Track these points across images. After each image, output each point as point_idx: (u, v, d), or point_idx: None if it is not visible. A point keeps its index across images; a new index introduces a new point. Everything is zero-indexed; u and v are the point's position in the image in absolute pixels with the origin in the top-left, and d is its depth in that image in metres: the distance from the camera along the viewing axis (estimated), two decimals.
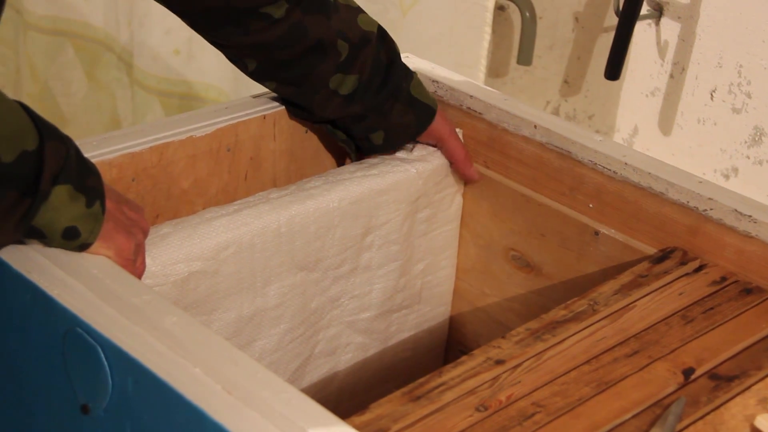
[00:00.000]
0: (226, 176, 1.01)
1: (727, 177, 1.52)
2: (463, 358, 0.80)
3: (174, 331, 0.69)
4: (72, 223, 0.73)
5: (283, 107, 1.04)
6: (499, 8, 1.59)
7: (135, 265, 0.80)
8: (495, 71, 1.68)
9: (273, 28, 0.92)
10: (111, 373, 0.69)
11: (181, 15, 0.94)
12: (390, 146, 1.04)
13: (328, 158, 1.11)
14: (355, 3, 1.00)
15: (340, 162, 1.11)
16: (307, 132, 1.07)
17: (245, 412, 0.64)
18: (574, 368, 0.80)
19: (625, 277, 0.92)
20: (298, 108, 1.01)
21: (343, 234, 1.00)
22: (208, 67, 1.73)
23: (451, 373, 0.78)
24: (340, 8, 0.97)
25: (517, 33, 1.60)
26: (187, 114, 0.98)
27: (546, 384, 0.78)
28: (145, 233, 0.84)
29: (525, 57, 1.61)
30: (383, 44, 1.00)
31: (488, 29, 1.46)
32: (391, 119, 1.01)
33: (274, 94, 1.04)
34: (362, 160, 1.05)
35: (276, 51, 0.94)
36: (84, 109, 2.03)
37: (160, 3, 0.91)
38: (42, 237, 0.74)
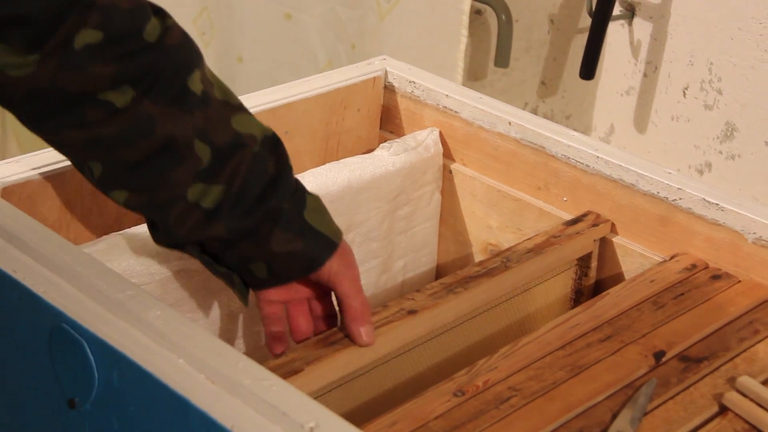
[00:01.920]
0: None
1: (701, 172, 1.55)
2: (379, 308, 0.85)
3: (157, 324, 0.71)
4: (330, 230, 0.83)
5: (265, 108, 1.06)
6: (476, 12, 1.61)
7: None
8: (474, 74, 1.71)
9: (114, 119, 0.74)
10: (96, 367, 0.71)
11: (3, 104, 0.76)
12: (277, 279, 0.82)
13: (308, 160, 1.13)
14: (237, 101, 0.81)
15: (320, 163, 1.13)
16: (287, 133, 1.09)
17: (228, 400, 0.66)
18: (549, 353, 0.83)
19: (539, 238, 0.98)
20: (155, 229, 0.81)
21: None
22: None
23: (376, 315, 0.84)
24: (211, 104, 0.77)
25: (494, 36, 1.63)
26: None
27: (522, 369, 0.81)
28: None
29: (502, 59, 1.64)
30: (271, 154, 0.80)
31: (465, 32, 1.49)
32: (271, 247, 0.79)
33: (253, 97, 1.06)
34: (341, 160, 1.07)
35: (120, 150, 0.75)
36: None
37: None
38: (308, 234, 0.81)
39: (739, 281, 0.93)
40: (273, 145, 0.81)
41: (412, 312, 0.86)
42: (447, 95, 1.13)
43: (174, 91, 0.75)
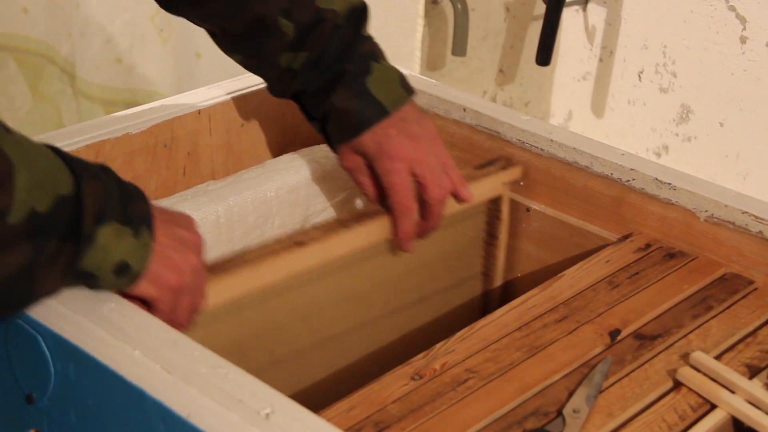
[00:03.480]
0: (164, 172, 1.03)
1: (658, 155, 1.56)
2: (272, 243, 0.88)
3: (112, 316, 0.71)
4: (122, 257, 0.70)
5: (219, 101, 1.06)
6: (433, 2, 1.62)
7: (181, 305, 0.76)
8: (432, 64, 1.71)
9: (211, 1, 0.92)
10: (52, 362, 0.71)
11: None
12: (338, 136, 0.94)
13: (265, 151, 1.13)
14: None
15: (277, 154, 1.13)
16: (243, 125, 1.09)
17: (184, 389, 0.66)
18: (506, 335, 0.84)
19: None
20: (267, 82, 0.99)
21: (282, 223, 1.02)
22: (150, 74, 1.74)
23: (254, 252, 0.86)
24: None
25: (450, 26, 1.63)
26: (123, 112, 1.00)
27: (479, 351, 0.81)
28: (199, 251, 0.78)
29: (459, 48, 1.65)
30: (352, 24, 0.93)
31: (421, 21, 1.49)
32: (332, 101, 0.93)
33: (208, 89, 1.06)
34: (298, 150, 1.08)
35: (225, 24, 0.94)
36: (30, 123, 2.03)
37: None
38: (94, 279, 0.71)
39: (693, 259, 0.94)
40: (358, 16, 0.94)
41: (300, 243, 0.88)
42: None
43: None
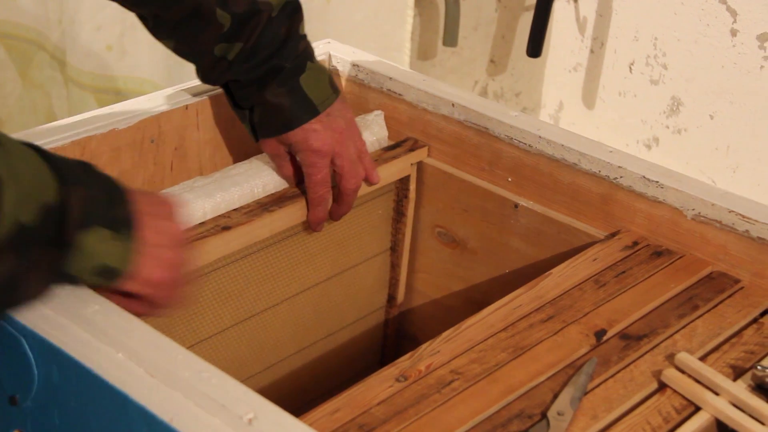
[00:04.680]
0: (151, 167, 1.03)
1: (649, 147, 1.56)
2: (197, 227, 0.92)
3: (96, 319, 0.71)
4: (104, 260, 0.71)
5: (206, 97, 1.06)
6: None
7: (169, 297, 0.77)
8: (423, 54, 1.71)
9: None
10: (36, 364, 0.71)
11: None
12: (266, 127, 0.98)
13: (253, 146, 1.12)
14: None
15: None
16: (231, 121, 1.09)
17: (167, 393, 0.66)
18: (492, 335, 0.84)
19: None
20: (198, 70, 0.99)
21: None
22: (141, 62, 1.73)
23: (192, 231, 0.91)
24: None
25: (442, 16, 1.63)
26: (109, 107, 0.99)
27: (464, 352, 0.81)
28: (182, 242, 0.78)
29: (450, 38, 1.65)
30: (286, 19, 0.95)
31: (410, 12, 1.49)
32: (265, 95, 0.96)
33: (195, 84, 1.06)
34: None
35: (161, 10, 0.93)
36: (19, 110, 2.02)
37: None
38: (75, 280, 0.72)
39: (680, 257, 0.94)
40: (291, 11, 0.95)
41: (226, 228, 0.93)
42: (391, 78, 1.13)
43: None
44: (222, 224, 0.93)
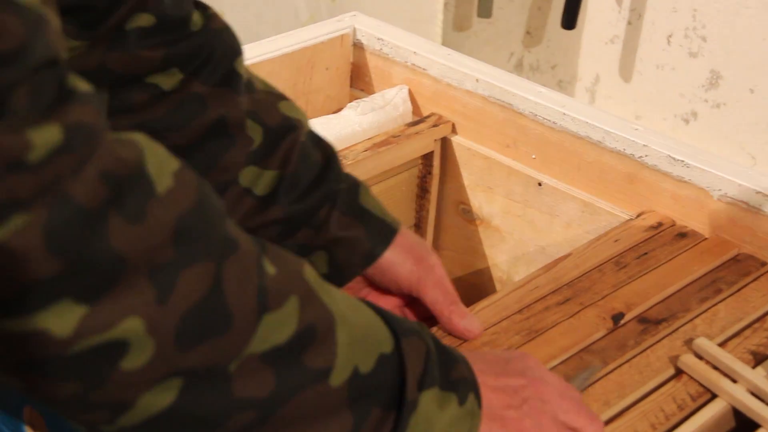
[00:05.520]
0: None
1: (687, 122, 1.52)
2: None
3: None
4: (446, 429, 0.58)
5: None
6: None
7: None
8: (459, 25, 1.68)
9: (162, 102, 0.70)
10: None
11: None
12: (339, 274, 0.76)
13: None
14: (278, 90, 0.77)
15: None
16: None
17: None
18: (506, 318, 0.82)
19: (378, 138, 1.05)
20: None
21: None
22: None
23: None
24: (256, 88, 0.75)
25: None
26: None
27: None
28: (543, 401, 0.65)
29: (484, 9, 1.62)
30: (315, 141, 0.76)
31: None
32: (330, 232, 0.74)
33: None
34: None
35: (168, 133, 0.70)
36: None
37: None
38: None
39: (705, 239, 0.92)
40: (316, 136, 0.77)
41: None
42: (415, 52, 1.11)
43: (223, 72, 0.71)
44: None
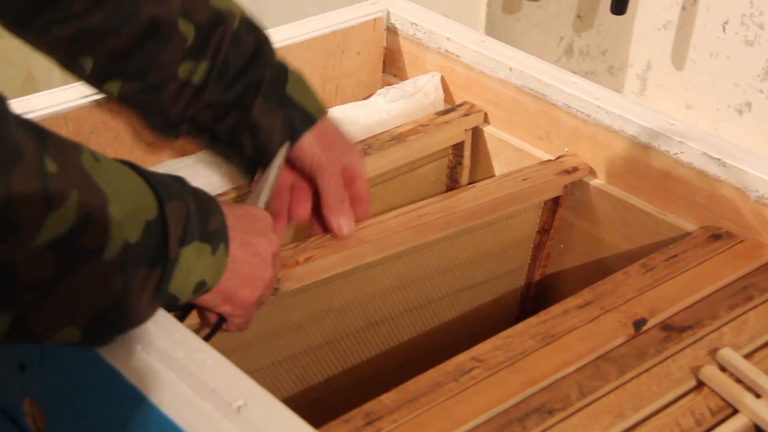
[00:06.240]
0: None
1: (740, 112, 1.47)
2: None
3: None
4: (201, 277, 0.67)
5: None
6: None
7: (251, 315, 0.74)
8: (509, 7, 1.64)
9: (99, 8, 0.76)
10: None
11: None
12: (261, 156, 0.84)
13: None
14: None
15: None
16: None
17: (160, 373, 0.64)
18: (522, 321, 0.79)
19: (405, 126, 1.03)
20: (149, 114, 0.84)
21: None
22: None
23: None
24: None
25: None
26: (33, 96, 0.92)
27: (490, 337, 0.77)
28: (272, 260, 0.74)
29: None
30: (250, 31, 0.83)
31: None
32: (253, 116, 0.83)
33: None
34: (335, 107, 1.04)
35: (108, 38, 0.77)
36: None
37: None
38: (175, 300, 0.67)
39: (741, 241, 0.88)
40: (251, 24, 0.84)
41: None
42: (448, 38, 1.07)
43: None
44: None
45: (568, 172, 0.96)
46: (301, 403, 0.92)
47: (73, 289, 0.58)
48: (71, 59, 0.80)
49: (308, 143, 0.84)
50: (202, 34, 0.80)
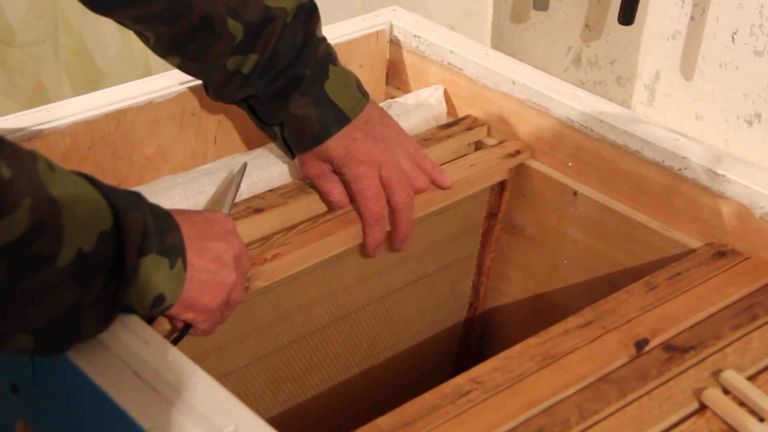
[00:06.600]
0: (193, 141, 0.99)
1: (750, 123, 1.45)
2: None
3: None
4: (160, 290, 0.68)
5: None
6: None
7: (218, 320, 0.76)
8: (516, 17, 1.63)
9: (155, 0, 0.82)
10: (32, 357, 0.69)
11: None
12: (298, 145, 0.89)
13: None
14: None
15: None
16: None
17: (150, 398, 0.63)
18: (521, 341, 0.78)
19: None
20: (210, 86, 0.91)
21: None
22: None
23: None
24: None
25: None
26: (145, 79, 0.96)
27: (488, 359, 0.76)
28: (233, 261, 0.74)
29: (541, 1, 1.57)
30: (301, 24, 0.87)
31: None
32: (289, 108, 0.87)
33: None
34: None
35: (164, 25, 0.84)
36: (119, 63, 2.04)
37: None
38: (132, 312, 0.68)
39: (746, 258, 0.86)
40: (307, 14, 0.87)
41: (258, 210, 0.88)
42: (452, 51, 1.06)
43: None
44: (254, 206, 0.89)
45: (511, 155, 0.98)
46: (273, 404, 0.93)
47: (26, 296, 0.58)
48: (137, 32, 0.87)
49: (337, 142, 0.87)
50: (251, 31, 0.85)
